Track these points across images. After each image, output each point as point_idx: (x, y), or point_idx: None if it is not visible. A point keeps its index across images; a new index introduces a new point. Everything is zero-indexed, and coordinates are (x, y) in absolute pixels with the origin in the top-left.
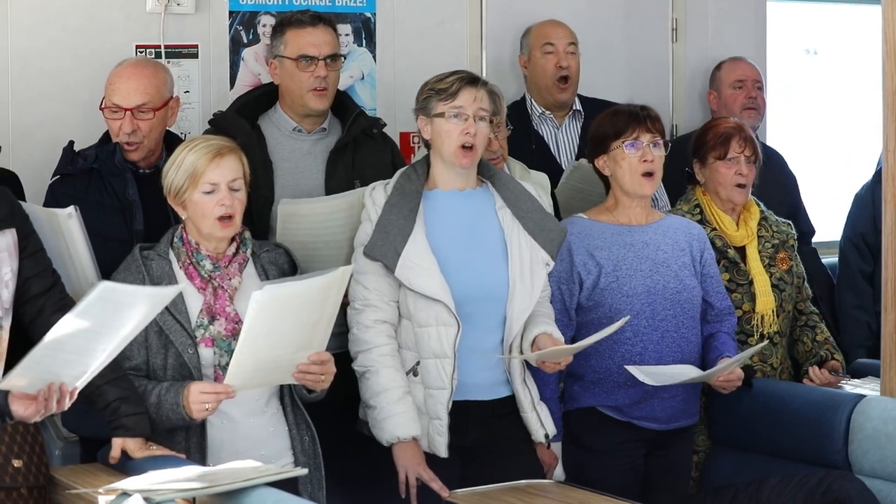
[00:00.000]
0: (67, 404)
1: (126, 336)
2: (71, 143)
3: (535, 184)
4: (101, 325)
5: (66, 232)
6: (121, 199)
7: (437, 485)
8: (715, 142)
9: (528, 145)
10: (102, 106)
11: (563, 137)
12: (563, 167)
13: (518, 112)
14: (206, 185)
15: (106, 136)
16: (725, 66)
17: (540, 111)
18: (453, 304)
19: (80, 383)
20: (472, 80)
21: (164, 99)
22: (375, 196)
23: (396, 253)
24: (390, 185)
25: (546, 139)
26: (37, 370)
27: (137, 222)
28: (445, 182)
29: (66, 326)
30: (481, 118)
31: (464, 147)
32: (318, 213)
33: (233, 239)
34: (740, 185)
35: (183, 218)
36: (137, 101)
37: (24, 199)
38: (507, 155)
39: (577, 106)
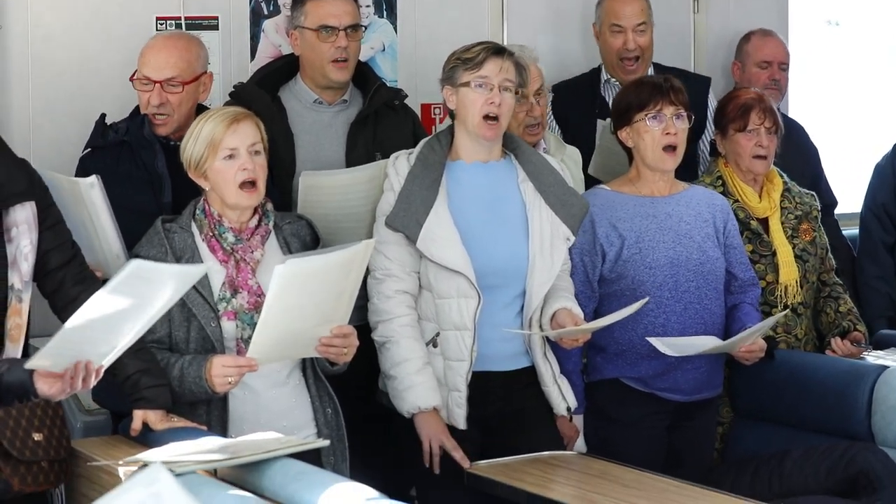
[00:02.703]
0: (93, 383)
1: (153, 315)
2: (103, 115)
3: (568, 158)
4: (131, 303)
5: (89, 201)
6: (150, 171)
7: (458, 454)
8: (735, 113)
9: (591, 109)
10: (133, 77)
11: None
12: None
13: (592, 75)
14: (225, 150)
15: (137, 110)
16: (755, 40)
17: (606, 77)
18: (474, 277)
19: (107, 361)
20: (498, 50)
21: (196, 73)
22: (398, 166)
23: (418, 224)
24: (413, 155)
25: (610, 105)
26: (64, 350)
27: (166, 195)
28: (469, 153)
29: (95, 306)
30: (506, 89)
31: (488, 118)
32: (339, 185)
33: (255, 211)
34: (761, 157)
35: (206, 190)
36: (167, 75)
37: None
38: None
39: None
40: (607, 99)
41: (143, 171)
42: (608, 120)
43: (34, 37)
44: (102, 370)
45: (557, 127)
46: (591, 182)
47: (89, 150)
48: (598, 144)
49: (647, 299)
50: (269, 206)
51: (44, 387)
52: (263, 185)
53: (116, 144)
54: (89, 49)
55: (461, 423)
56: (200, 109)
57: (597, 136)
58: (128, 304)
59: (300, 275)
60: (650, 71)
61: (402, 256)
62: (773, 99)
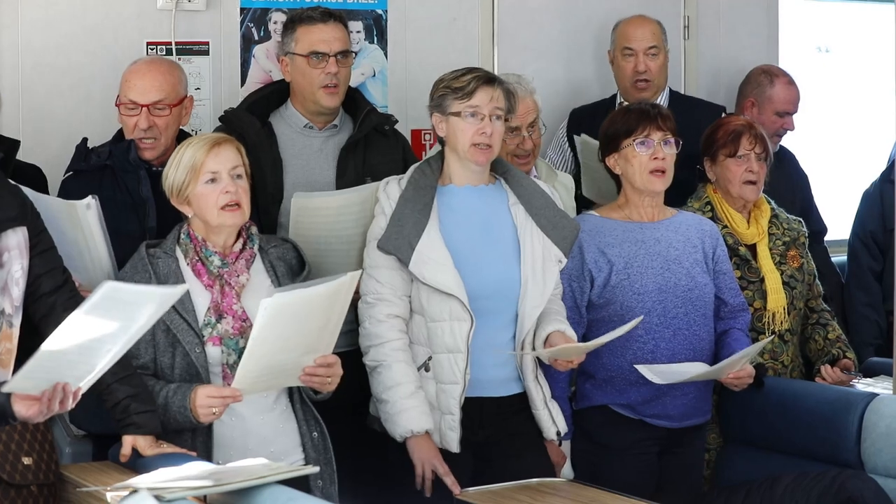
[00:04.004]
0: (71, 405)
1: (132, 336)
2: (84, 139)
3: (560, 185)
4: (107, 325)
5: (84, 222)
6: (134, 196)
7: (450, 479)
8: (725, 139)
9: None
10: (118, 103)
11: None
12: None
13: (608, 101)
14: (207, 174)
15: (120, 134)
16: (780, 86)
17: (620, 101)
18: (467, 299)
19: (85, 384)
20: (488, 79)
21: (180, 96)
22: (389, 190)
23: (411, 247)
24: (404, 180)
25: None
26: (41, 372)
27: (150, 219)
28: (460, 178)
29: (70, 327)
30: (497, 117)
31: (478, 145)
32: (331, 207)
33: (239, 234)
34: (750, 182)
35: (189, 216)
36: (154, 98)
37: (46, 193)
38: (539, 154)
39: (664, 101)
40: None
41: (126, 196)
42: (583, 136)
43: (25, 60)
44: (80, 393)
45: (570, 152)
46: (587, 204)
47: (71, 173)
48: (582, 163)
49: (641, 317)
50: (254, 229)
51: (21, 409)
52: (247, 206)
53: (98, 168)
54: (81, 74)
55: (454, 447)
56: (182, 135)
57: (578, 153)
58: (104, 326)
59: (286, 308)
60: (665, 96)
61: (393, 280)
62: (772, 142)
